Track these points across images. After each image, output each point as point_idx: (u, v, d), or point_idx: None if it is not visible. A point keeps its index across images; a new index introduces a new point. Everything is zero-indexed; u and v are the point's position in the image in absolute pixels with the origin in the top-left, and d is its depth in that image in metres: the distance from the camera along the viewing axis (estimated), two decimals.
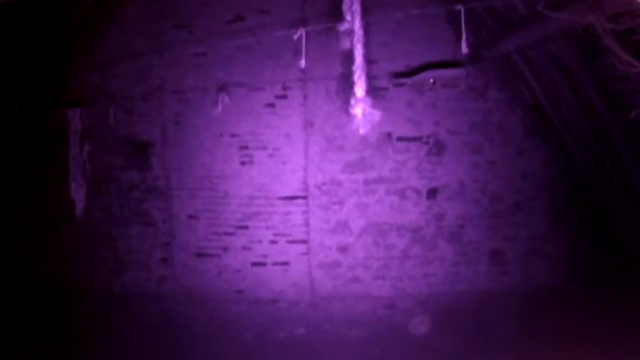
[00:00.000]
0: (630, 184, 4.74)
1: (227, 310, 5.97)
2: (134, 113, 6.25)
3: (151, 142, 6.27)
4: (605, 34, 2.94)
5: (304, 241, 6.22)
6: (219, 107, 5.95)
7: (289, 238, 6.22)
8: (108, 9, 6.05)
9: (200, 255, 6.32)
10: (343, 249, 6.20)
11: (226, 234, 6.26)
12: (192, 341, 5.19)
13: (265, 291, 6.22)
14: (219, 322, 5.69)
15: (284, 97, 6.09)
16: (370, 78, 4.12)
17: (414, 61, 5.95)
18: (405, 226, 6.16)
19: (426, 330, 5.17)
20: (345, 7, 3.65)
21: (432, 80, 5.92)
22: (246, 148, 6.17)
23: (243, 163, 6.19)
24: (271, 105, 6.11)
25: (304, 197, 6.18)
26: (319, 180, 6.16)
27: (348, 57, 3.78)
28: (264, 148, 6.16)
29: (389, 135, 6.06)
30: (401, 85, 6.00)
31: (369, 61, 4.11)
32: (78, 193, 6.11)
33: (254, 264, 6.26)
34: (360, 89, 3.68)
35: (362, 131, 3.72)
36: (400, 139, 6.09)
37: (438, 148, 6.08)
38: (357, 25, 3.65)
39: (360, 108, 3.65)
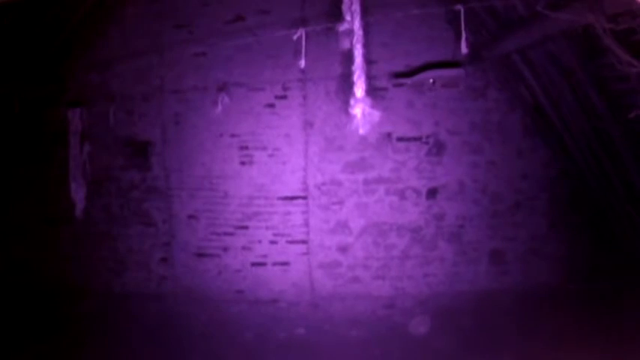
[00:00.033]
0: (630, 184, 4.74)
1: (227, 310, 5.97)
2: (134, 113, 6.25)
3: (151, 142, 6.27)
4: (605, 34, 2.94)
5: (304, 241, 6.22)
6: (219, 107, 5.95)
7: (289, 238, 6.23)
8: (108, 9, 6.05)
9: (200, 255, 6.32)
10: (343, 249, 6.20)
11: (226, 234, 6.26)
12: (192, 341, 5.20)
13: (265, 291, 6.23)
14: (219, 322, 5.70)
15: (284, 97, 6.10)
16: (370, 78, 4.13)
17: (413, 61, 5.95)
18: (405, 226, 6.16)
19: (425, 330, 5.17)
20: (344, 7, 3.65)
21: (431, 80, 5.92)
22: (246, 148, 6.17)
23: (243, 163, 6.19)
24: (271, 105, 6.11)
25: (304, 197, 6.18)
26: (319, 180, 6.16)
27: (348, 57, 3.78)
28: (264, 148, 6.16)
29: (389, 135, 6.06)
30: (401, 85, 6.00)
31: (368, 61, 4.11)
32: (78, 193, 6.10)
33: (254, 264, 6.26)
34: (359, 89, 3.68)
35: (361, 131, 3.72)
36: (400, 139, 6.09)
37: (437, 148, 6.08)
38: (357, 25, 3.65)
39: (360, 108, 3.65)
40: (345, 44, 3.76)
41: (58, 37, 5.69)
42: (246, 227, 6.23)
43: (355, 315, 5.76)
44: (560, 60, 4.45)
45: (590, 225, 6.03)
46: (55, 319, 5.67)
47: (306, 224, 6.19)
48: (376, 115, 3.67)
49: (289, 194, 6.18)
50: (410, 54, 5.95)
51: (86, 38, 6.09)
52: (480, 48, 5.31)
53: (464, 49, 4.51)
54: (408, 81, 5.93)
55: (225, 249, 6.27)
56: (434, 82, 5.94)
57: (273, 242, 6.22)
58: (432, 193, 6.12)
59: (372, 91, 3.99)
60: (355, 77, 3.69)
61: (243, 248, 6.25)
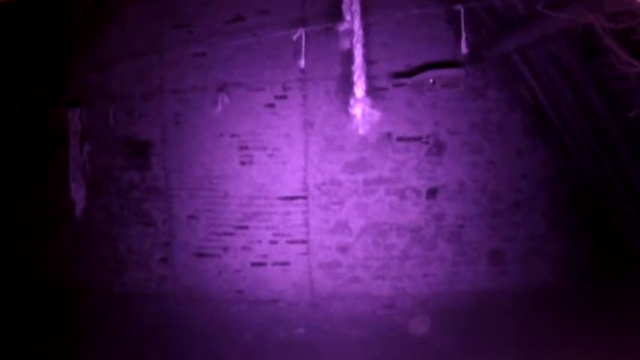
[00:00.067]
0: (630, 184, 4.74)
1: (227, 310, 5.97)
2: (134, 113, 6.25)
3: (150, 142, 6.27)
4: (605, 34, 2.94)
5: (304, 241, 6.22)
6: (219, 107, 5.96)
7: (289, 238, 6.23)
8: (108, 9, 6.05)
9: (200, 255, 6.32)
10: (343, 249, 6.20)
11: (226, 234, 6.26)
12: (192, 341, 5.19)
13: (265, 291, 6.23)
14: (219, 322, 5.70)
15: (284, 97, 6.10)
16: (370, 78, 4.14)
17: (413, 61, 5.95)
18: (405, 226, 6.16)
19: (425, 330, 5.18)
20: (344, 7, 3.65)
21: (431, 80, 5.92)
22: (246, 148, 6.17)
23: (243, 163, 6.19)
24: (271, 105, 6.11)
25: (304, 197, 6.18)
26: (319, 180, 6.16)
27: (348, 57, 3.79)
28: (264, 148, 6.16)
29: (389, 135, 6.06)
30: (401, 85, 6.00)
31: (368, 61, 4.12)
32: (78, 193, 6.11)
33: (254, 264, 6.26)
34: (359, 89, 3.69)
35: (361, 131, 3.72)
36: (400, 139, 6.09)
37: (437, 148, 6.09)
38: (357, 25, 3.65)
39: (360, 108, 3.66)
40: (345, 44, 3.77)
41: (58, 37, 5.69)
42: (246, 227, 6.23)
43: (355, 315, 5.77)
44: (560, 60, 4.45)
45: (590, 225, 6.03)
46: (55, 319, 5.67)
47: (306, 224, 6.20)
48: (376, 115, 3.68)
49: (289, 194, 6.18)
50: (410, 54, 5.95)
51: (86, 38, 6.09)
52: (480, 48, 5.31)
53: (464, 49, 4.51)
54: (408, 81, 5.94)
55: (225, 249, 6.27)
56: (434, 82, 5.94)
57: (273, 242, 6.22)
58: (431, 193, 6.12)
59: (372, 91, 4.00)
60: (355, 77, 3.70)
61: (243, 248, 6.25)
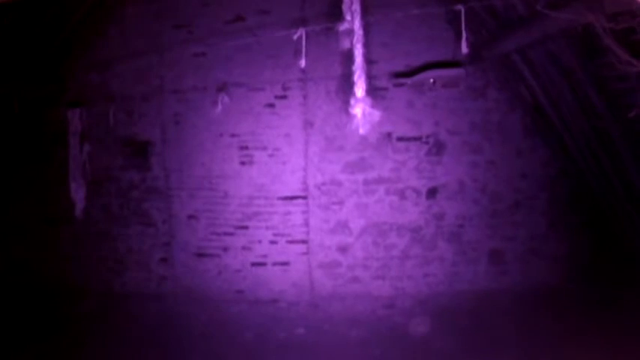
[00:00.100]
0: (630, 184, 4.74)
1: (227, 310, 5.97)
2: (134, 113, 6.25)
3: (150, 142, 6.27)
4: (605, 34, 2.94)
5: (304, 241, 6.22)
6: (219, 107, 5.96)
7: (289, 238, 6.23)
8: (108, 9, 6.05)
9: (200, 255, 6.32)
10: (343, 249, 6.20)
11: (226, 234, 6.26)
12: (192, 341, 5.19)
13: (265, 291, 6.23)
14: (219, 322, 5.70)
15: (284, 97, 6.10)
16: (370, 78, 4.14)
17: (414, 61, 5.95)
18: (405, 226, 6.16)
19: (425, 330, 5.18)
20: (344, 7, 3.66)
21: (431, 80, 5.92)
22: (246, 148, 6.17)
23: (243, 163, 6.19)
24: (271, 105, 6.11)
25: (304, 197, 6.18)
26: (319, 180, 6.16)
27: (348, 57, 3.80)
28: (264, 148, 6.16)
29: (389, 135, 6.06)
30: (401, 85, 6.00)
31: (369, 61, 4.13)
32: (78, 193, 6.11)
33: (254, 264, 6.26)
34: (359, 89, 3.69)
35: (362, 131, 3.73)
36: (400, 139, 6.09)
37: (437, 148, 6.09)
38: (357, 25, 3.66)
39: (360, 108, 3.66)
40: (345, 44, 3.77)
41: (58, 37, 5.69)
42: (246, 227, 6.23)
43: (355, 315, 5.76)
44: (560, 60, 4.45)
45: (590, 225, 6.03)
46: (55, 319, 5.67)
47: (306, 224, 6.20)
48: (376, 115, 3.68)
49: (289, 194, 6.18)
50: (410, 54, 5.95)
51: (86, 38, 6.09)
52: (480, 48, 5.31)
53: (464, 49, 4.52)
54: (408, 81, 5.94)
55: (225, 249, 6.27)
56: (434, 82, 5.94)
57: (273, 242, 6.22)
58: (431, 192, 6.12)
59: (372, 91, 4.00)
60: (355, 77, 3.70)
61: (243, 248, 6.25)
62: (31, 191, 6.39)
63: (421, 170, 6.10)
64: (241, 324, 5.60)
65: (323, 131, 6.11)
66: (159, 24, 6.07)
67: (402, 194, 6.13)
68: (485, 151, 6.07)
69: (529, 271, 6.15)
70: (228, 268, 6.29)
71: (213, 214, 6.26)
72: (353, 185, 6.14)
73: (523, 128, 6.03)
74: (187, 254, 6.34)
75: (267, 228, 6.22)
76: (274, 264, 6.24)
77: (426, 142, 6.09)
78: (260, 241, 6.23)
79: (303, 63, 4.45)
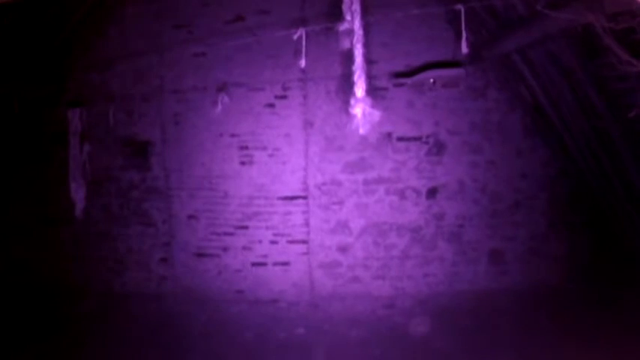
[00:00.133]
0: (630, 184, 4.74)
1: (227, 310, 5.97)
2: (134, 113, 6.25)
3: (150, 142, 6.27)
4: (605, 34, 2.94)
5: (304, 241, 6.22)
6: (219, 107, 5.96)
7: (289, 238, 6.23)
8: (108, 9, 6.05)
9: (200, 255, 6.32)
10: (343, 249, 6.20)
11: (226, 234, 6.26)
12: (192, 341, 5.19)
13: (265, 291, 6.23)
14: (219, 322, 5.70)
15: (284, 97, 6.10)
16: (370, 78, 4.14)
17: (414, 61, 5.95)
18: (405, 226, 6.16)
19: (425, 330, 5.18)
20: (344, 7, 3.65)
21: (431, 80, 5.92)
22: (246, 148, 6.17)
23: (243, 163, 6.19)
24: (271, 105, 6.11)
25: (304, 197, 6.18)
26: (319, 180, 6.16)
27: (348, 57, 3.79)
28: (264, 148, 6.16)
29: (389, 135, 6.06)
30: (401, 85, 6.00)
31: (369, 61, 4.13)
32: (78, 193, 6.11)
33: (254, 264, 6.26)
34: (359, 89, 3.69)
35: (362, 131, 3.72)
36: (400, 139, 6.09)
37: (437, 148, 6.09)
38: (357, 25, 3.66)
39: (360, 108, 3.66)
40: (345, 44, 3.77)
41: (58, 37, 5.69)
42: (246, 227, 6.23)
43: (355, 315, 5.76)
44: (560, 60, 4.45)
45: (590, 225, 6.03)
46: (55, 319, 5.67)
47: (307, 224, 6.20)
48: (376, 115, 3.68)
49: (289, 194, 6.18)
50: (410, 54, 5.95)
51: (86, 38, 6.09)
52: (480, 48, 5.31)
53: (464, 49, 4.51)
54: (408, 81, 5.94)
55: (225, 249, 6.27)
56: (434, 82, 5.94)
57: (273, 242, 6.22)
58: (431, 192, 6.12)
59: (372, 91, 4.00)
60: (355, 77, 3.70)
61: (244, 248, 6.25)
62: (31, 191, 6.39)
63: (421, 170, 6.10)
64: (241, 324, 5.60)
65: (323, 131, 6.11)
66: (159, 24, 6.07)
67: (402, 194, 6.13)
68: (485, 151, 6.08)
69: (529, 271, 6.15)
70: (228, 268, 6.29)
71: (213, 214, 6.26)
72: (353, 185, 6.14)
73: (523, 128, 6.03)
74: (187, 254, 6.34)
75: (267, 228, 6.22)
76: (274, 264, 6.24)
77: (426, 142, 6.09)
78: (260, 241, 6.23)
79: (303, 63, 4.44)
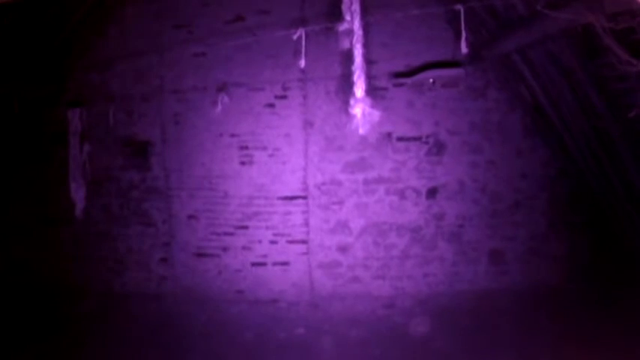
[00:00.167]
0: (630, 184, 4.74)
1: (227, 310, 5.97)
2: (134, 113, 6.25)
3: (150, 142, 6.27)
4: (605, 34, 2.94)
5: (304, 241, 6.22)
6: (219, 107, 5.96)
7: (289, 238, 6.23)
8: (107, 9, 6.05)
9: (200, 255, 6.32)
10: (343, 249, 6.20)
11: (226, 234, 6.26)
12: (192, 341, 5.20)
13: (265, 291, 6.23)
14: (219, 322, 5.70)
15: (284, 97, 6.10)
16: (370, 78, 4.14)
17: (413, 61, 5.95)
18: (405, 226, 6.16)
19: (425, 330, 5.18)
20: (344, 7, 3.65)
21: (431, 80, 5.93)
22: (246, 148, 6.17)
23: (243, 163, 6.19)
24: (271, 105, 6.11)
25: (304, 197, 6.18)
26: (319, 180, 6.16)
27: (348, 57, 3.79)
28: (264, 148, 6.17)
29: (389, 135, 6.06)
30: (401, 85, 6.00)
31: (368, 61, 4.12)
32: (78, 193, 6.11)
33: (254, 264, 6.26)
34: (359, 89, 3.69)
35: (361, 131, 3.72)
36: (400, 139, 6.09)
37: (437, 148, 6.09)
38: (357, 25, 3.65)
39: (360, 108, 3.66)
40: (345, 44, 3.77)
41: (58, 37, 5.70)
42: (246, 227, 6.23)
43: (355, 315, 5.76)
44: (560, 60, 4.45)
45: (590, 225, 6.03)
46: (55, 319, 5.67)
47: (306, 224, 6.20)
48: (376, 115, 3.68)
49: (289, 194, 6.18)
50: (410, 54, 5.95)
51: (86, 38, 6.09)
52: (480, 48, 5.31)
53: (464, 49, 4.51)
54: (408, 81, 5.94)
55: (225, 249, 6.27)
56: (434, 82, 5.94)
57: (273, 242, 6.22)
58: (431, 192, 6.12)
59: (372, 91, 4.00)
60: (355, 77, 3.70)
61: (243, 248, 6.25)
62: (31, 191, 6.39)
63: (421, 170, 6.10)
64: (241, 324, 5.61)
65: (323, 131, 6.11)
66: (159, 24, 6.07)
67: (401, 194, 6.13)
68: (485, 151, 6.07)
69: (529, 271, 6.15)
70: (228, 268, 6.29)
71: (213, 214, 6.26)
72: (353, 185, 6.14)
73: (523, 128, 6.03)
74: (187, 254, 6.34)
75: (267, 228, 6.22)
76: (274, 264, 6.24)
77: (426, 142, 6.08)
78: (260, 241, 6.23)
79: (302, 63, 4.44)
